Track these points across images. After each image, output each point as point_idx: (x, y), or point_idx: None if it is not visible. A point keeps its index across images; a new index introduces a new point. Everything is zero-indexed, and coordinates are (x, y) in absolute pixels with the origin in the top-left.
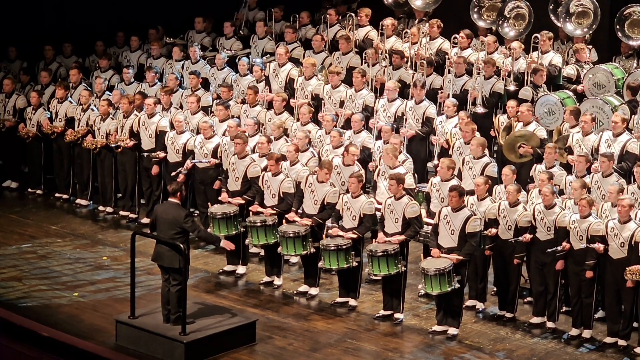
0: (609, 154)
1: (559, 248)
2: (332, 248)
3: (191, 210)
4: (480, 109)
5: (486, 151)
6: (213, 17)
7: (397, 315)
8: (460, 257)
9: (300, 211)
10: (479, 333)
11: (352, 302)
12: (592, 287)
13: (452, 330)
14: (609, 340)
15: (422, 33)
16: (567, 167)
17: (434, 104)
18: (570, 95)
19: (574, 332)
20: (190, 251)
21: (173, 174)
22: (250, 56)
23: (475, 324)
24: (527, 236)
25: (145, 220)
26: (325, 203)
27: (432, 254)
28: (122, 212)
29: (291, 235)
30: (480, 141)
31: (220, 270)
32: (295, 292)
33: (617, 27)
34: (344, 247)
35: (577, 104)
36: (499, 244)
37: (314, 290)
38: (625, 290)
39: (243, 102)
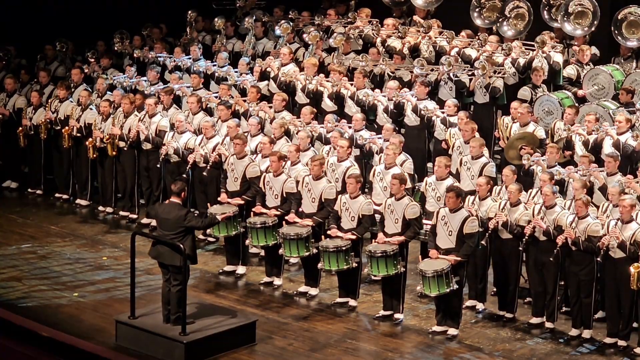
0: (614, 154)
1: (557, 243)
2: (332, 249)
3: (191, 210)
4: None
5: (485, 151)
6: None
7: (397, 316)
8: (459, 258)
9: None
10: (479, 333)
11: (351, 302)
12: (591, 287)
13: (452, 331)
14: (608, 340)
15: (422, 30)
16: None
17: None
18: (569, 96)
19: (574, 332)
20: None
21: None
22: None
23: (475, 324)
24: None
25: (145, 221)
26: (322, 200)
27: (430, 255)
28: (122, 213)
29: (293, 237)
30: (480, 141)
31: (220, 270)
32: (295, 292)
33: (615, 31)
34: (344, 248)
35: (576, 104)
36: (498, 244)
37: (313, 291)
38: (625, 290)
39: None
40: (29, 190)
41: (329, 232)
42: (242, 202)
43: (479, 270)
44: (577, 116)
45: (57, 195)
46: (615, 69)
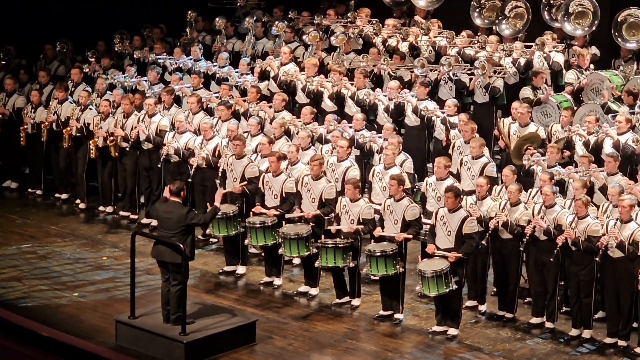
0: (614, 154)
1: (557, 244)
2: (330, 246)
3: (192, 209)
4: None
5: (485, 151)
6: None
7: (397, 316)
8: (459, 255)
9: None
10: (479, 333)
11: (354, 302)
12: (591, 287)
13: (452, 331)
14: (608, 340)
15: (422, 30)
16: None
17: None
18: (568, 99)
19: (574, 332)
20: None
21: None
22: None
23: (475, 324)
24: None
25: (145, 221)
26: (323, 200)
27: (427, 250)
28: (122, 213)
29: (293, 236)
30: (480, 141)
31: (220, 270)
32: (295, 292)
33: (615, 33)
34: (341, 246)
35: (575, 107)
36: (498, 244)
37: (314, 291)
38: (624, 290)
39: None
40: (29, 190)
41: (330, 227)
42: (241, 189)
43: (479, 270)
44: (574, 118)
45: (56, 195)
46: (614, 74)
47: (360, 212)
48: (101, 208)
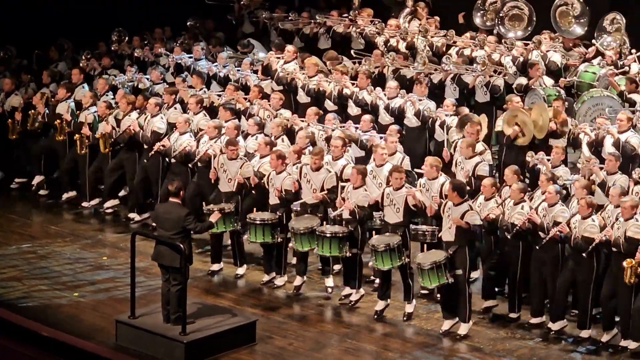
0: (615, 153)
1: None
2: (328, 235)
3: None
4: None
5: (487, 154)
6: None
7: (407, 309)
8: (462, 222)
9: (299, 208)
10: (479, 333)
11: (352, 296)
12: (590, 287)
13: (462, 329)
14: (605, 338)
15: (420, 32)
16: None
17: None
18: (558, 92)
19: (574, 332)
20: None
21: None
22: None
23: (476, 324)
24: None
25: (137, 218)
26: (325, 189)
27: (429, 213)
28: (107, 205)
29: (303, 231)
30: (468, 142)
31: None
32: (294, 291)
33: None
34: (340, 235)
35: (566, 103)
36: (501, 243)
37: (298, 281)
38: (622, 288)
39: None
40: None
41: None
42: (242, 182)
43: (486, 270)
44: (579, 112)
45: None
46: (591, 64)
47: (357, 200)
48: (106, 206)
